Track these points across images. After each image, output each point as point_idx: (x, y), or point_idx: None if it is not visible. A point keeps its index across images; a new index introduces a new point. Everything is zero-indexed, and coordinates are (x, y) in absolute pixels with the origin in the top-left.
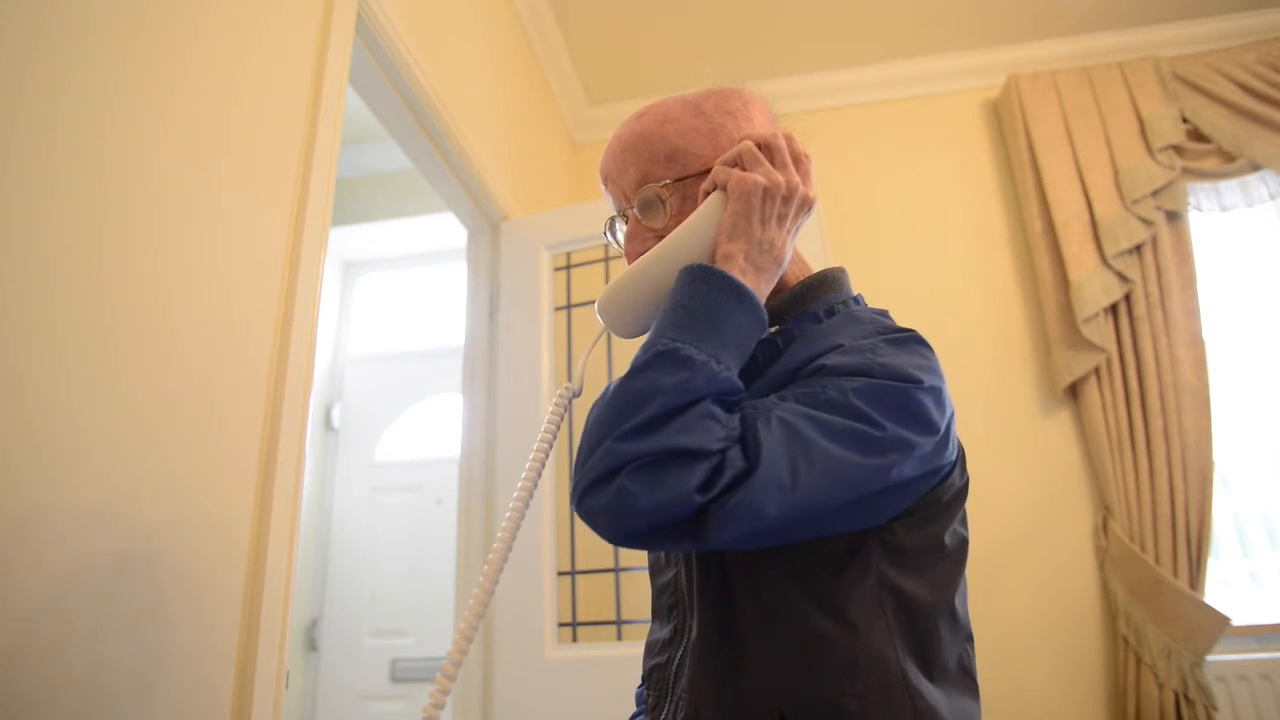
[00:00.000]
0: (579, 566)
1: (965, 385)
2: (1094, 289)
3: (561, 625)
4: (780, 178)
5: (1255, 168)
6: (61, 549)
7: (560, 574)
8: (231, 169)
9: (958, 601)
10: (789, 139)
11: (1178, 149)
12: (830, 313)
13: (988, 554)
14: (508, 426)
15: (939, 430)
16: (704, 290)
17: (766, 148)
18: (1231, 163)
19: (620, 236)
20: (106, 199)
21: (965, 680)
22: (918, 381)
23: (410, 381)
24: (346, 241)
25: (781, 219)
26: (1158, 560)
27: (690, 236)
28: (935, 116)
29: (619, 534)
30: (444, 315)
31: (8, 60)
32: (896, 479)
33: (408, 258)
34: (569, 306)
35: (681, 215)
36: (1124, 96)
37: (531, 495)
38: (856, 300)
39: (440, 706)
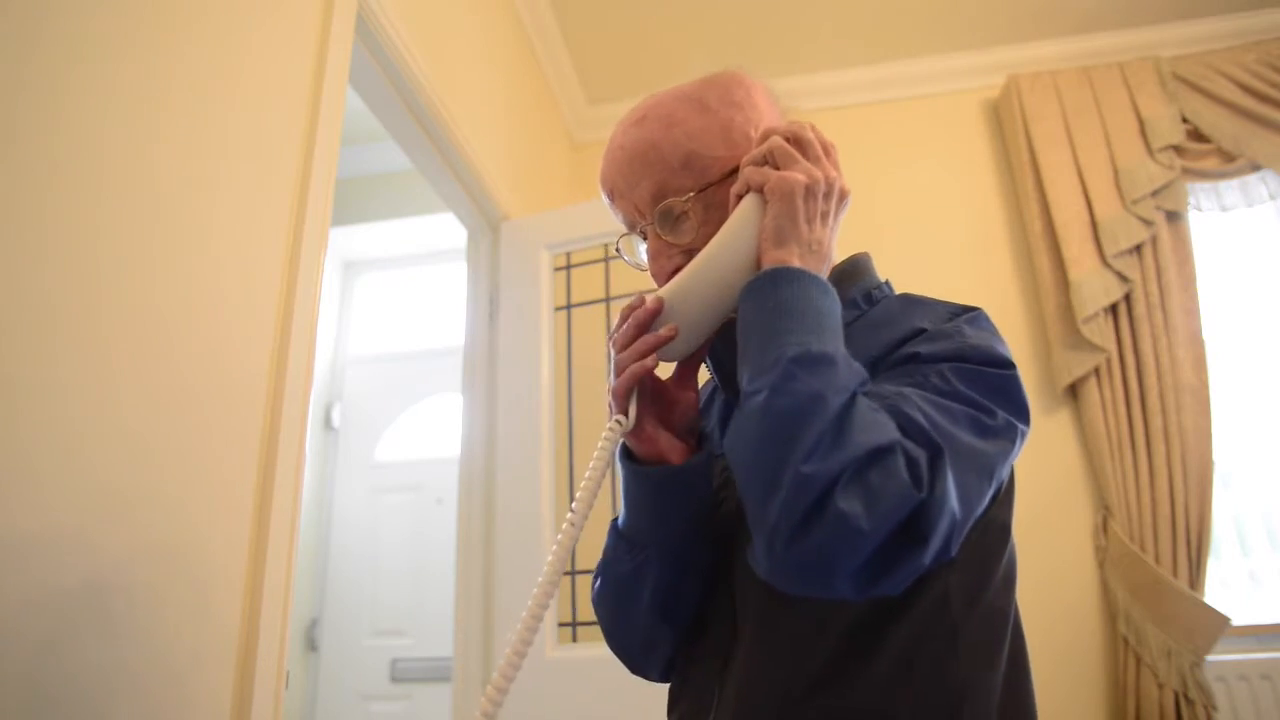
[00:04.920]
0: (579, 566)
1: None
2: (1094, 289)
3: (561, 625)
4: (819, 173)
5: (1255, 168)
6: (57, 547)
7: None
8: (231, 169)
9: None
10: (814, 129)
11: (1178, 149)
12: (869, 299)
13: None
14: (508, 426)
15: (1029, 415)
16: (795, 289)
17: (797, 141)
18: (1231, 163)
19: (641, 255)
20: (105, 199)
21: (1025, 672)
22: (1011, 365)
23: (410, 381)
24: (346, 241)
25: (824, 216)
26: (1157, 560)
27: (731, 246)
28: (935, 117)
29: (844, 572)
30: (444, 315)
31: (7, 59)
32: (1009, 466)
33: (408, 258)
34: (569, 306)
35: (709, 225)
36: (1124, 97)
37: (573, 547)
38: (888, 285)
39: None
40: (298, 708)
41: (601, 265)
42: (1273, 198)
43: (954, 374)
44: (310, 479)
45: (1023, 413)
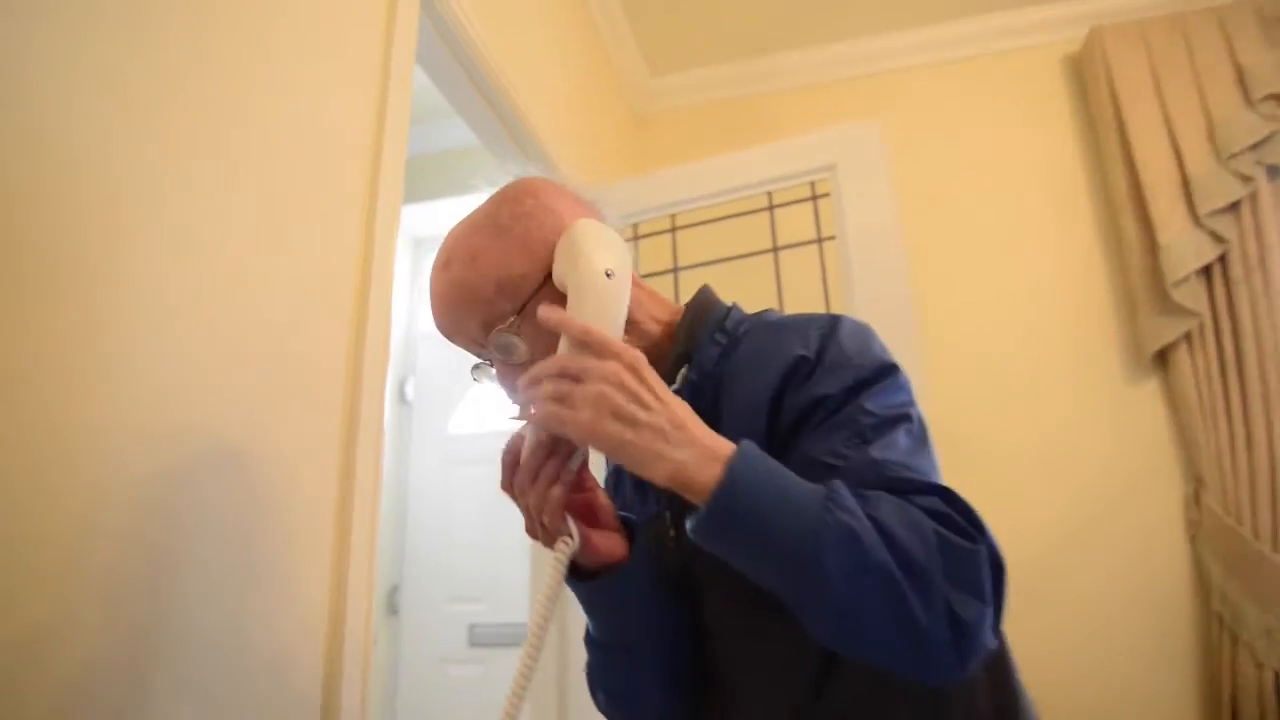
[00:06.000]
0: None
1: (1044, 353)
2: (1184, 251)
3: None
4: (607, 384)
5: None
6: (150, 519)
7: None
8: (307, 149)
9: None
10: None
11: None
12: (725, 332)
13: (1067, 528)
14: None
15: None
16: (733, 507)
17: (564, 372)
18: None
19: (492, 378)
20: (190, 187)
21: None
22: (895, 368)
23: None
24: (416, 219)
25: (637, 399)
26: (1256, 534)
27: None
28: (1011, 74)
29: (993, 633)
30: None
31: (114, 54)
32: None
33: None
34: None
35: (539, 336)
36: (1220, 44)
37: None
38: (736, 309)
39: None
40: (382, 668)
41: (669, 235)
42: None
43: (870, 403)
44: (387, 451)
45: (912, 396)
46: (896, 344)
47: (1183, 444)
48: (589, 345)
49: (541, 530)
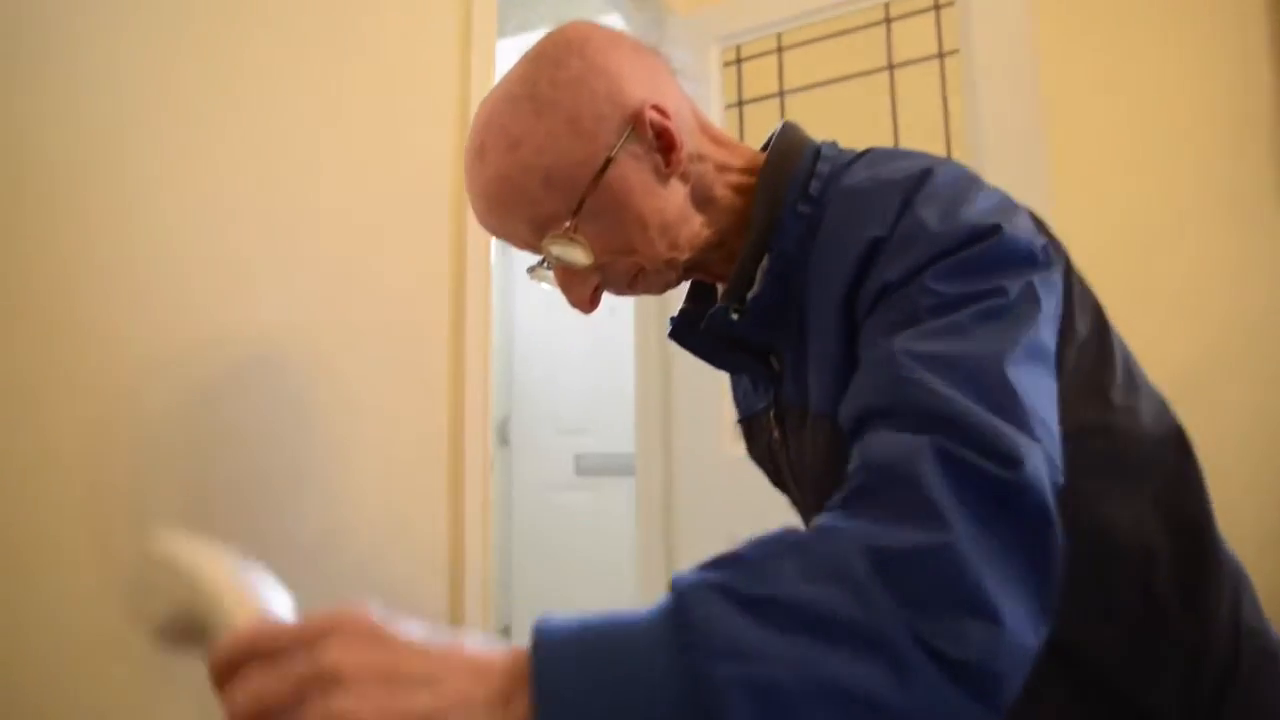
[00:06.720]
0: None
1: (1190, 176)
2: None
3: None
4: (351, 686)
5: None
6: (284, 356)
7: None
8: None
9: None
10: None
11: None
12: (808, 199)
13: (1198, 369)
14: None
15: (1038, 253)
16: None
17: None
18: None
19: (552, 284)
20: (297, 39)
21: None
22: (992, 230)
23: None
24: (512, 54)
25: (402, 677)
26: None
27: None
28: None
29: (1023, 649)
30: None
31: None
32: (1051, 307)
33: None
34: (740, 103)
35: (604, 233)
36: None
37: None
38: (827, 153)
39: None
40: (496, 494)
41: (774, 56)
42: None
43: (937, 281)
44: (493, 292)
45: (1029, 260)
46: (1023, 172)
47: None
48: (278, 647)
49: None
